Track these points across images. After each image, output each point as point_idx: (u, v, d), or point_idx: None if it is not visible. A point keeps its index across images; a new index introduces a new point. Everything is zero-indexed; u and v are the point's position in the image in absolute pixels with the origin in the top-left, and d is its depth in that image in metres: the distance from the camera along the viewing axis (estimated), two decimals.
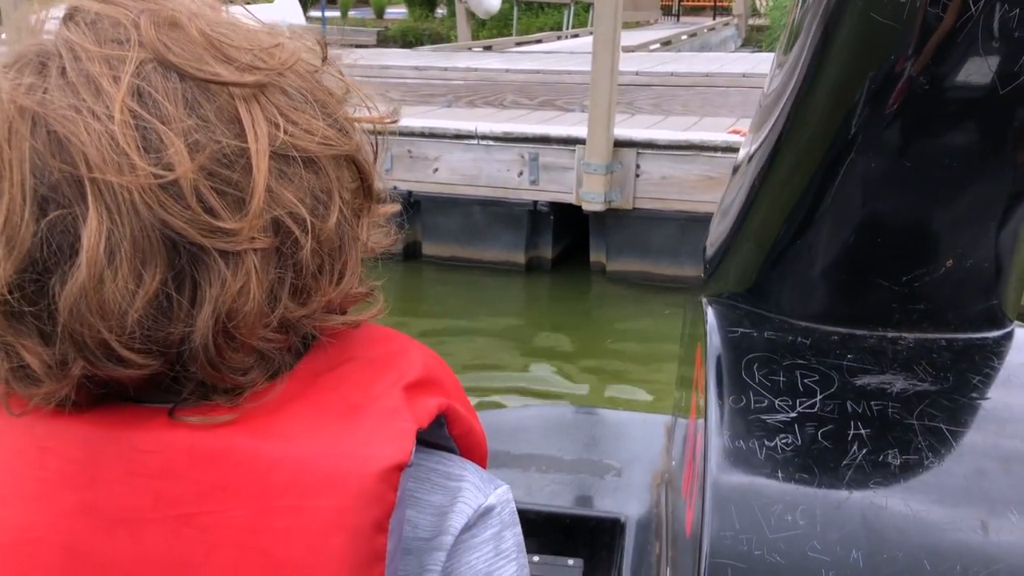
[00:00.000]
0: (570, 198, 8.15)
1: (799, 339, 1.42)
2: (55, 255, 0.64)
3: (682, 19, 32.13)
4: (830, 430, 1.26)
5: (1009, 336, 1.44)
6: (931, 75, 1.20)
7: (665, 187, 7.92)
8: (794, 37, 1.37)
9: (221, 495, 0.69)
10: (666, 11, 31.54)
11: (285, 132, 0.69)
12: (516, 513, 0.86)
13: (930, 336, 1.42)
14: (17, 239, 0.64)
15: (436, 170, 8.43)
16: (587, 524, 2.22)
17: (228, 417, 0.71)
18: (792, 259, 1.48)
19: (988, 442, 1.26)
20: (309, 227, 0.70)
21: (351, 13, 30.67)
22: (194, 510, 0.69)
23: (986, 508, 1.17)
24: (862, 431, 1.25)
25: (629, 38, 17.83)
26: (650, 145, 7.96)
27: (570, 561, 2.17)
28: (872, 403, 1.29)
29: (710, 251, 1.76)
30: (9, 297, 0.65)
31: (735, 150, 7.36)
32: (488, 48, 18.26)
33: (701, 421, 1.38)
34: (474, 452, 0.86)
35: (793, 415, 1.28)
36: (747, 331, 1.45)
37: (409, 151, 8.36)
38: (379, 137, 0.81)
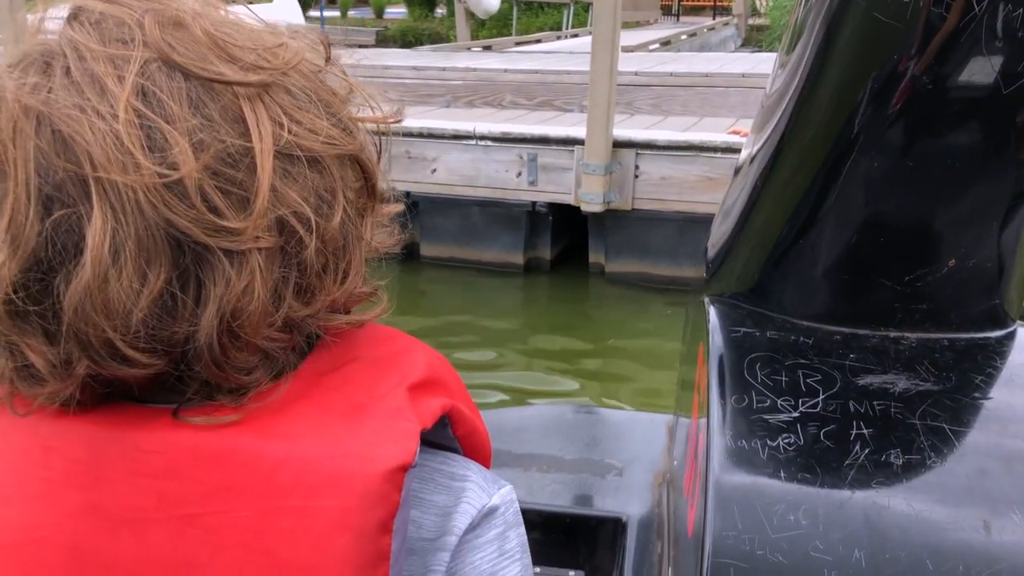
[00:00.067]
0: (569, 199, 8.12)
1: (801, 339, 1.42)
2: (60, 254, 0.64)
3: (682, 19, 32.14)
4: (832, 430, 1.26)
5: (1011, 336, 1.44)
6: (934, 75, 1.20)
7: (664, 188, 7.89)
8: (797, 37, 1.37)
9: (226, 495, 0.69)
10: (666, 11, 31.55)
11: (289, 131, 0.70)
12: (520, 513, 0.86)
13: (932, 336, 1.42)
14: (22, 238, 0.64)
15: (434, 171, 8.40)
16: (589, 524, 2.22)
17: (232, 417, 0.71)
18: (795, 259, 1.48)
19: (990, 442, 1.26)
20: (313, 226, 0.70)
21: (351, 13, 30.68)
22: (199, 510, 0.69)
23: (988, 508, 1.17)
24: (864, 431, 1.25)
25: (628, 38, 17.81)
26: (649, 146, 7.93)
27: (571, 573, 2.17)
28: (874, 403, 1.29)
29: (711, 252, 1.76)
30: (14, 296, 0.65)
31: (735, 151, 7.34)
32: (487, 48, 18.25)
33: (703, 420, 1.38)
34: (478, 452, 0.86)
35: (795, 415, 1.28)
36: (749, 331, 1.45)
37: (407, 152, 8.34)
38: (382, 137, 0.81)
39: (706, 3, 34.24)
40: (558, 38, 21.41)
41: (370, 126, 0.79)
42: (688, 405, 1.74)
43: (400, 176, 8.26)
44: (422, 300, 8.12)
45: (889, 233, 1.38)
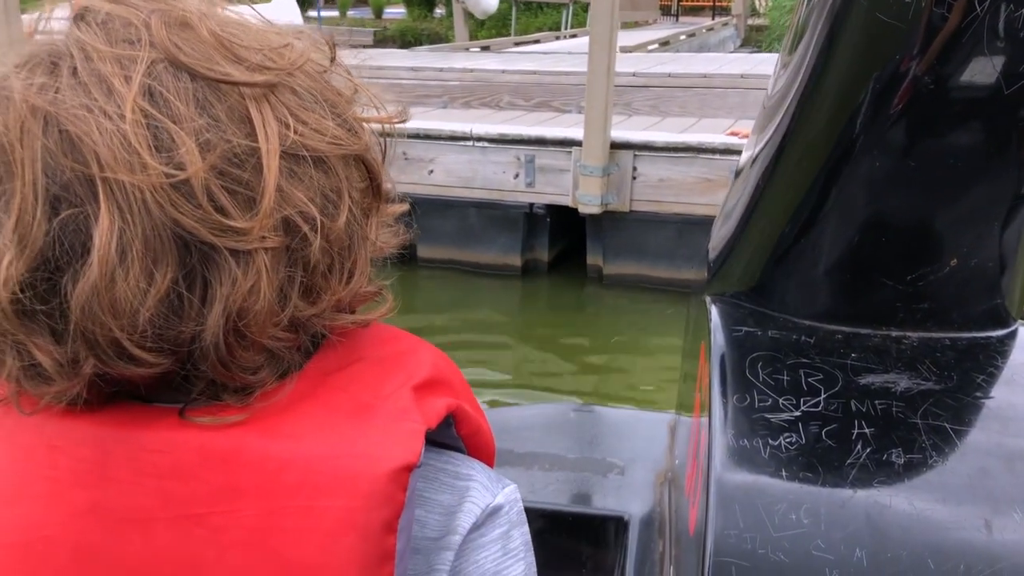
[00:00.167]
0: (566, 200, 8.08)
1: (803, 338, 1.43)
2: (67, 254, 0.64)
3: (681, 19, 32.13)
4: (834, 429, 1.26)
5: (1013, 335, 1.44)
6: (936, 75, 1.20)
7: (662, 189, 7.85)
8: (799, 37, 1.37)
9: (231, 495, 0.69)
10: (665, 11, 31.53)
11: (295, 132, 0.70)
12: (524, 512, 0.86)
13: (934, 335, 1.42)
14: (29, 238, 0.64)
15: (431, 172, 8.35)
16: (590, 523, 2.22)
17: (238, 417, 0.71)
18: (796, 258, 1.48)
19: (992, 441, 1.26)
20: (319, 226, 0.70)
21: (350, 13, 30.66)
22: (204, 510, 0.69)
23: (990, 507, 1.17)
24: (866, 430, 1.25)
25: (627, 38, 17.79)
26: (647, 147, 7.89)
27: None
28: (876, 402, 1.29)
29: (712, 254, 1.76)
30: (21, 296, 0.65)
31: (733, 152, 7.33)
32: (486, 48, 18.24)
33: (705, 419, 1.38)
34: (482, 451, 0.86)
35: (797, 414, 1.28)
36: (751, 330, 1.46)
37: (404, 153, 8.22)
38: (387, 135, 0.82)
39: (705, 3, 34.23)
40: (557, 38, 21.38)
41: (375, 126, 0.80)
42: (690, 404, 1.74)
43: (397, 178, 8.03)
44: (419, 302, 8.09)
45: (891, 232, 1.38)
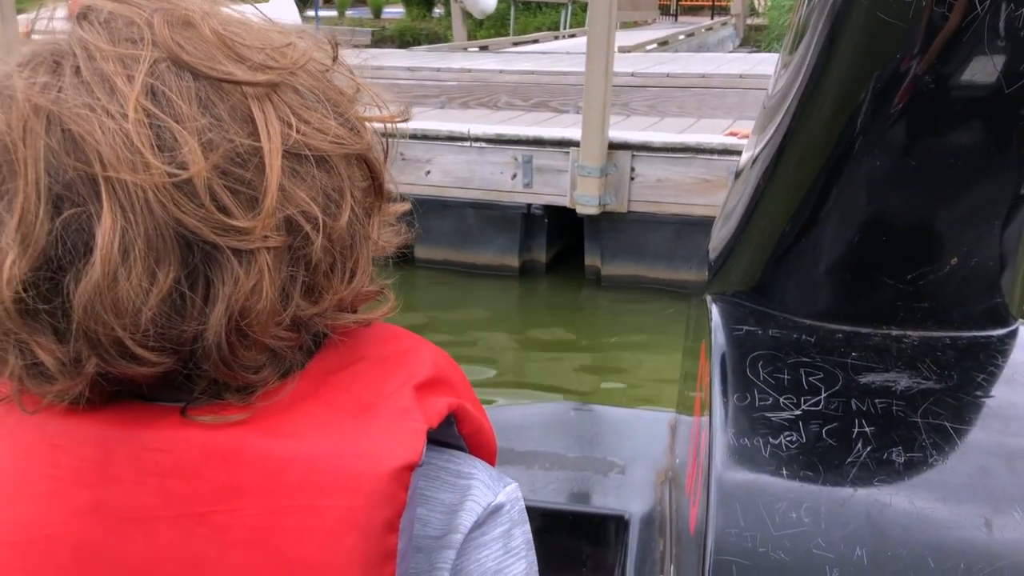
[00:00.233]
0: (564, 201, 8.05)
1: (804, 337, 1.43)
2: (69, 253, 0.64)
3: (680, 19, 32.12)
4: (834, 428, 1.26)
5: (1013, 334, 1.44)
6: (937, 74, 1.20)
7: (661, 190, 7.83)
8: (799, 37, 1.37)
9: (233, 494, 0.69)
10: (664, 11, 31.54)
11: (298, 131, 0.70)
12: (525, 511, 0.86)
13: (934, 334, 1.42)
14: (32, 237, 0.64)
15: (428, 172, 8.32)
16: (591, 521, 2.22)
17: (240, 416, 0.71)
18: (797, 257, 1.48)
19: (992, 440, 1.26)
20: (321, 226, 0.70)
21: (348, 13, 30.63)
22: (206, 509, 0.69)
23: (990, 505, 1.17)
24: (866, 429, 1.26)
25: (626, 38, 17.79)
26: (645, 147, 7.87)
27: None
28: (876, 401, 1.30)
29: (713, 255, 1.76)
30: (24, 295, 0.65)
31: (731, 153, 7.30)
32: (484, 48, 18.23)
33: (705, 418, 1.38)
34: (483, 450, 0.86)
35: (797, 413, 1.28)
36: (752, 329, 1.46)
37: (401, 153, 8.23)
38: (389, 136, 0.82)
39: (704, 3, 34.23)
40: (556, 38, 21.38)
41: (377, 126, 0.80)
42: (690, 403, 1.74)
43: (393, 178, 8.15)
44: (416, 304, 8.05)
45: (891, 232, 1.38)
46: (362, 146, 0.75)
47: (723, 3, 33.11)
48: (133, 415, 0.72)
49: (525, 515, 0.86)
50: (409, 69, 13.01)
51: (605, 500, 2.28)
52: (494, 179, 8.28)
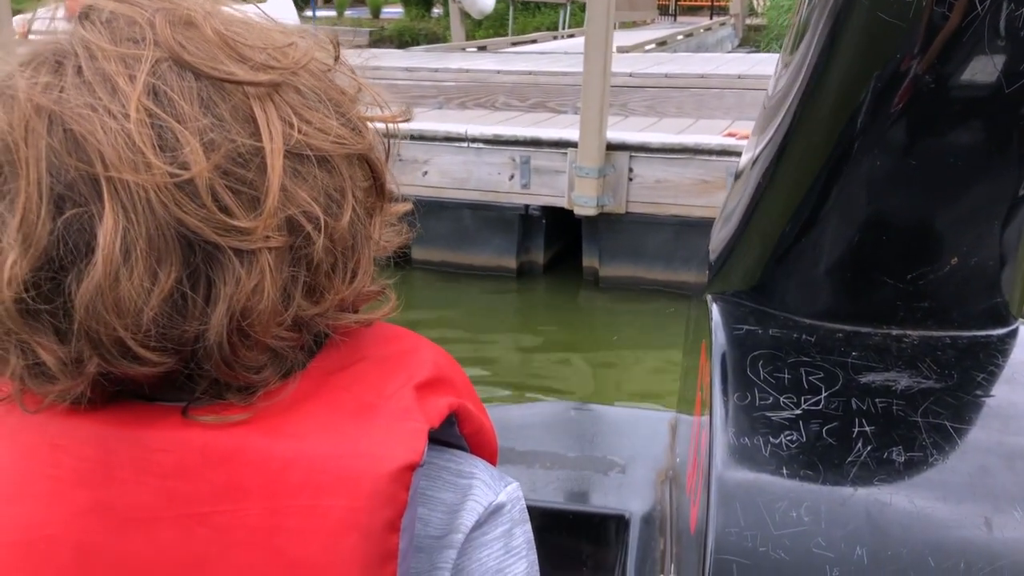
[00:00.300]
0: (562, 202, 8.03)
1: (804, 336, 1.43)
2: (71, 253, 0.64)
3: (679, 19, 32.11)
4: (835, 427, 1.26)
5: (1013, 334, 1.44)
6: (937, 74, 1.20)
7: (659, 191, 7.80)
8: (800, 37, 1.37)
9: (235, 494, 0.69)
10: (663, 11, 31.53)
11: (299, 131, 0.70)
12: (526, 510, 0.86)
13: (934, 334, 1.42)
14: (34, 237, 0.64)
15: (425, 173, 8.28)
16: (591, 521, 2.22)
17: (241, 416, 0.71)
18: (797, 257, 1.48)
19: (992, 439, 1.26)
20: (323, 226, 0.70)
21: (347, 13, 30.62)
22: (208, 509, 0.69)
23: (990, 505, 1.17)
24: (866, 428, 1.26)
25: (624, 38, 17.77)
26: (643, 148, 7.85)
27: None
28: (876, 400, 1.30)
29: (713, 255, 1.76)
30: (25, 295, 0.65)
31: (730, 153, 7.28)
32: (482, 48, 18.21)
33: (706, 418, 1.38)
34: (484, 449, 0.86)
35: (798, 412, 1.28)
36: (752, 328, 1.46)
37: (398, 154, 8.21)
38: (390, 136, 0.82)
39: (703, 3, 34.22)
40: (554, 38, 21.35)
41: (378, 126, 0.80)
42: (691, 402, 1.74)
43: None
44: (413, 305, 8.02)
45: (892, 231, 1.38)
46: (364, 146, 0.76)
47: (722, 3, 33.10)
48: (134, 415, 0.72)
49: (526, 514, 0.86)
50: (407, 69, 12.98)
51: (605, 499, 2.28)
52: (491, 180, 8.25)
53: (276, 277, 0.68)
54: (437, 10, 28.99)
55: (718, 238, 1.74)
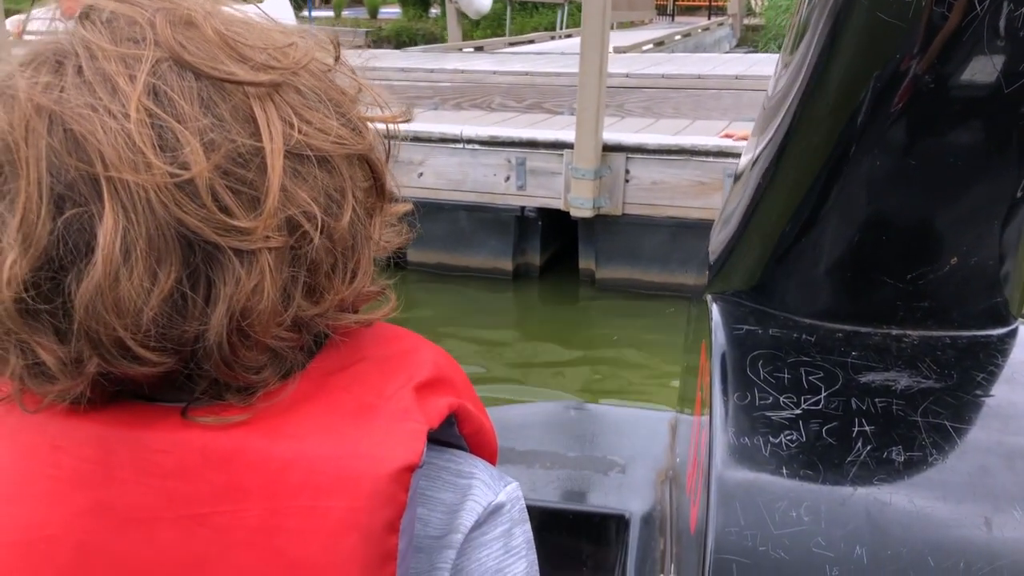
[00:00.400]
0: (558, 204, 7.98)
1: (804, 336, 1.43)
2: (71, 253, 0.64)
3: (677, 19, 32.13)
4: (834, 427, 1.26)
5: (1013, 334, 1.44)
6: (936, 74, 1.20)
7: (655, 192, 7.76)
8: (800, 37, 1.37)
9: (235, 495, 0.69)
10: (661, 11, 31.55)
11: (299, 131, 0.70)
12: (526, 510, 0.86)
13: (934, 333, 1.42)
14: (34, 237, 0.64)
15: (421, 175, 8.22)
16: (591, 520, 2.22)
17: (241, 417, 0.71)
18: (797, 257, 1.48)
19: (992, 439, 1.26)
20: (323, 226, 0.71)
21: (345, 13, 30.65)
22: (208, 510, 0.69)
23: (990, 504, 1.17)
24: (866, 428, 1.26)
25: (622, 38, 17.78)
26: (640, 149, 7.80)
27: None
28: (876, 400, 1.30)
29: (713, 257, 1.76)
30: (25, 295, 0.65)
31: (727, 154, 7.25)
32: (479, 49, 18.19)
33: (706, 418, 1.38)
34: (484, 449, 0.87)
35: (798, 412, 1.28)
36: (752, 328, 1.46)
37: (394, 155, 8.19)
38: (390, 136, 0.82)
39: (701, 3, 34.24)
40: (552, 38, 21.34)
41: (378, 126, 0.80)
42: (690, 402, 1.74)
43: None
44: (409, 307, 7.97)
45: (891, 231, 1.38)
46: (364, 146, 0.76)
47: (720, 3, 33.12)
48: (134, 415, 0.72)
49: (526, 514, 0.86)
50: (403, 70, 12.94)
51: (605, 499, 2.28)
52: (487, 181, 8.20)
53: (276, 277, 0.68)
54: (435, 10, 29.00)
55: (718, 239, 1.74)
